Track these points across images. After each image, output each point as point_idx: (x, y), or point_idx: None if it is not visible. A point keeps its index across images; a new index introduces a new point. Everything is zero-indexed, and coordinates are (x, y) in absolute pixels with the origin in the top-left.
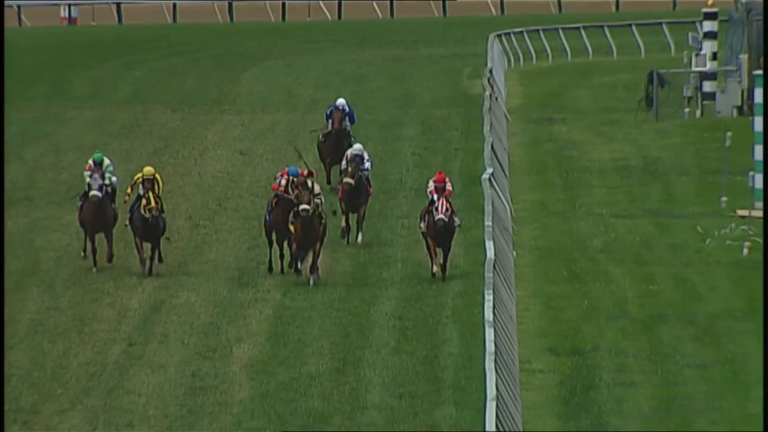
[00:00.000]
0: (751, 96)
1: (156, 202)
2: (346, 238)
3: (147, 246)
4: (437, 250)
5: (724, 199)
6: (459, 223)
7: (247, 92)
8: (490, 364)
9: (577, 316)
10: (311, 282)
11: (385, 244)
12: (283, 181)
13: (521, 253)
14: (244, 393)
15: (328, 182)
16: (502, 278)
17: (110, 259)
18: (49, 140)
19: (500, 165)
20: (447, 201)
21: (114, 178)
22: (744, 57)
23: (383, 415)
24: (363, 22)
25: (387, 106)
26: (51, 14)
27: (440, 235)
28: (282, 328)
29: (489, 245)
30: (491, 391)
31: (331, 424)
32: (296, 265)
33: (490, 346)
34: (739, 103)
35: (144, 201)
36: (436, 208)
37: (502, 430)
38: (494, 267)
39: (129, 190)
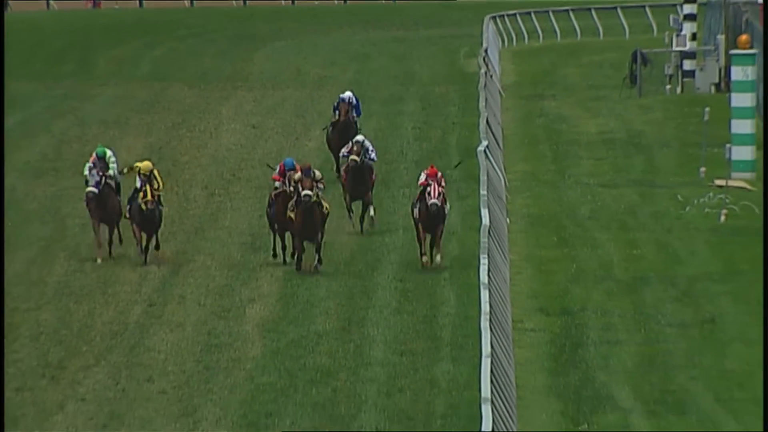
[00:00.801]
0: (727, 73)
1: (153, 196)
2: (351, 221)
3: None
4: (426, 236)
5: (702, 169)
6: (449, 210)
7: (259, 70)
8: (485, 323)
9: (566, 279)
10: (314, 270)
11: (388, 212)
12: (296, 176)
13: (514, 220)
14: (256, 350)
15: (337, 171)
16: (496, 243)
17: (116, 243)
18: (75, 115)
19: (495, 138)
20: (440, 185)
21: (115, 170)
22: (721, 37)
23: (385, 371)
24: (366, 6)
25: (389, 83)
26: None
27: (432, 219)
28: (291, 289)
29: (484, 213)
30: (486, 349)
31: (337, 379)
32: (297, 258)
33: (485, 307)
34: (717, 81)
35: (141, 194)
36: (429, 193)
37: (495, 387)
38: (489, 233)
39: (126, 170)
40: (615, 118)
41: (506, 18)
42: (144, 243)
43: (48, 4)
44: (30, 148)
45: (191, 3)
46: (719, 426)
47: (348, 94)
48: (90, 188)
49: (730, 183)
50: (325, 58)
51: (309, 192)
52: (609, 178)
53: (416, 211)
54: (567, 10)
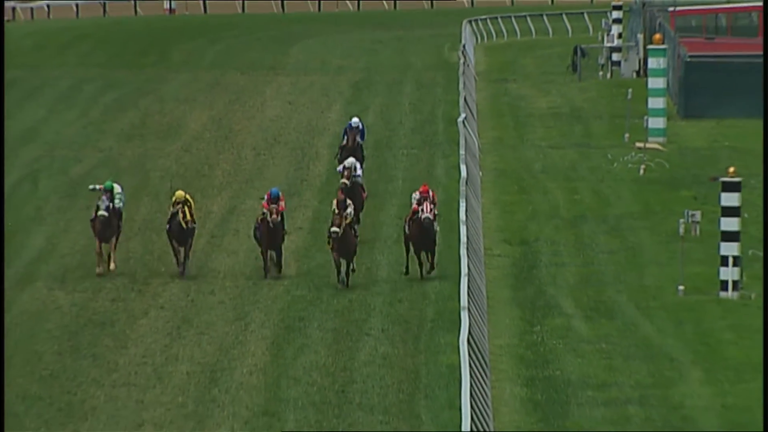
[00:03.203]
0: (645, 63)
1: (191, 216)
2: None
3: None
4: (421, 255)
5: (626, 135)
6: (438, 231)
7: (294, 61)
8: (463, 251)
9: (524, 217)
10: (346, 284)
11: (390, 168)
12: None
13: (485, 174)
14: (292, 270)
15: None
16: (471, 191)
17: (110, 261)
18: (156, 94)
19: (471, 111)
20: (432, 204)
21: (121, 204)
22: (641, 36)
23: (389, 286)
24: (375, 12)
25: (391, 71)
26: (157, 6)
27: (424, 235)
28: (318, 224)
29: (462, 168)
30: (464, 269)
31: (353, 292)
32: (337, 273)
33: (463, 238)
34: (638, 68)
35: (180, 215)
36: (422, 209)
37: (471, 298)
38: (466, 183)
39: (170, 208)
40: (561, 97)
41: (479, 21)
42: (181, 257)
43: (136, 11)
44: (122, 119)
45: (243, 10)
46: (639, 327)
47: (356, 120)
48: (101, 212)
49: (647, 145)
50: (343, 52)
51: (336, 229)
52: (556, 142)
53: (407, 228)
54: (525, 16)
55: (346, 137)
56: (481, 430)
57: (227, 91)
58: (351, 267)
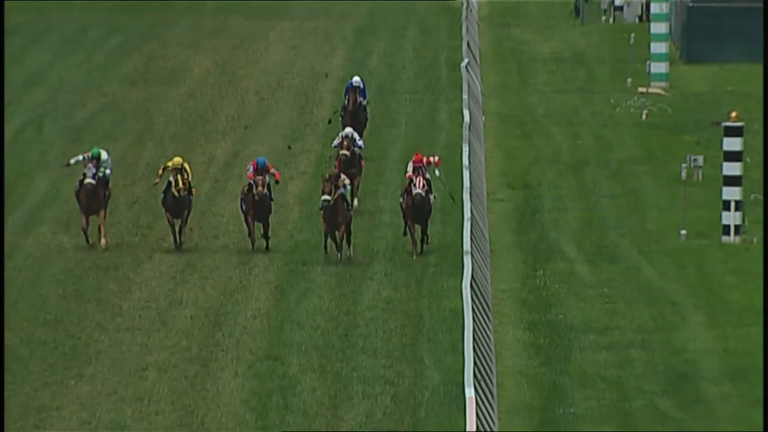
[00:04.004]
0: (647, 8)
1: (184, 184)
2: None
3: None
4: (415, 227)
5: (629, 80)
6: (434, 200)
7: (297, 5)
8: (466, 195)
9: (527, 162)
10: (341, 258)
11: (393, 112)
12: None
13: (488, 118)
14: (295, 215)
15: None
16: (474, 136)
17: (101, 234)
18: (160, 39)
19: (474, 56)
20: (424, 178)
21: (108, 171)
22: None
23: (392, 232)
24: None
25: (395, 16)
26: None
27: (417, 210)
28: (321, 169)
29: (466, 113)
30: (467, 214)
31: (356, 237)
32: (324, 245)
33: (466, 182)
34: (640, 14)
35: (173, 183)
36: (414, 185)
37: (474, 243)
38: (469, 128)
39: (160, 172)
40: (564, 41)
41: None
42: (177, 229)
43: None
44: (126, 64)
45: None
46: (641, 271)
47: (356, 79)
48: (89, 180)
49: (650, 90)
50: None
51: (327, 197)
52: (559, 87)
53: (403, 202)
54: None
55: (347, 98)
56: (484, 373)
57: (231, 36)
58: (346, 240)
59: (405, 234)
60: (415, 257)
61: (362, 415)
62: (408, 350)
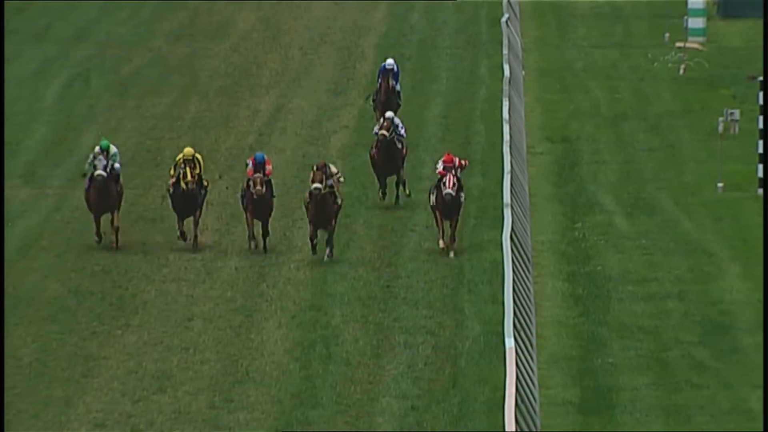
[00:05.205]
0: None
1: (193, 177)
2: (383, 198)
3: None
4: (445, 224)
5: (667, 35)
6: (464, 199)
7: None
8: (506, 148)
9: (566, 116)
10: (326, 258)
11: (434, 67)
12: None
13: (528, 73)
14: (338, 168)
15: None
16: (514, 90)
17: (116, 235)
18: None
19: (513, 12)
20: (455, 177)
21: (117, 165)
22: None
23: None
24: None
25: None
26: None
27: (448, 208)
28: (363, 122)
29: (506, 67)
30: (507, 167)
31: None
32: (312, 243)
33: (506, 136)
34: None
35: (182, 175)
36: (444, 184)
37: (514, 195)
38: (509, 82)
39: (172, 171)
40: None
41: None
42: (191, 228)
43: None
44: (172, 19)
45: None
46: (678, 223)
47: (390, 61)
48: (99, 172)
49: (687, 45)
50: None
51: (318, 185)
52: (597, 41)
53: (432, 198)
54: None
55: (380, 81)
56: (524, 323)
57: None
58: (327, 239)
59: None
60: (450, 254)
61: (404, 364)
62: (449, 301)
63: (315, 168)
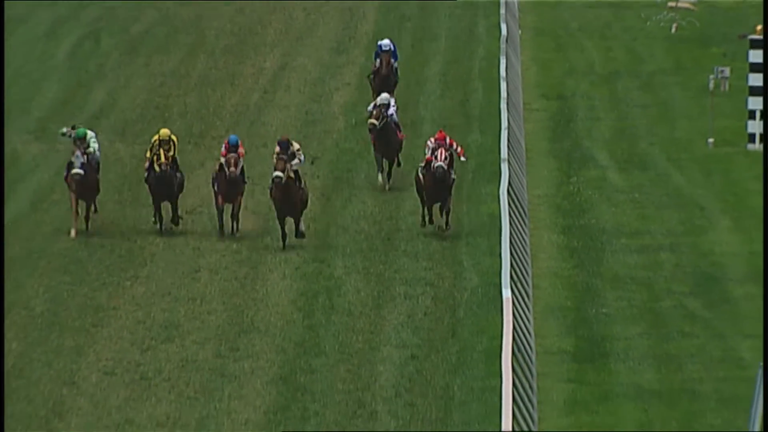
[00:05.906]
0: None
1: (167, 158)
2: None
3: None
4: (435, 209)
5: None
6: (454, 179)
7: None
8: (503, 105)
9: (561, 73)
10: (301, 235)
11: (433, 27)
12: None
13: (524, 32)
14: (340, 124)
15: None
16: (511, 48)
17: (87, 223)
18: None
19: None
20: (446, 151)
21: (96, 150)
22: None
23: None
24: None
25: None
26: None
27: (438, 184)
28: (365, 80)
29: (503, 26)
30: (504, 123)
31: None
32: (282, 231)
33: (503, 93)
34: None
35: (155, 158)
36: (435, 157)
37: (511, 150)
38: (506, 41)
39: (148, 154)
40: None
41: None
42: (168, 213)
43: None
44: None
45: None
46: (670, 177)
47: (386, 42)
48: (76, 170)
49: (679, 4)
50: None
51: (280, 173)
52: (592, 1)
53: (421, 175)
54: None
55: (378, 60)
56: (521, 275)
57: None
58: (299, 227)
59: (423, 225)
60: (444, 229)
61: (404, 314)
62: (448, 253)
63: (278, 148)
